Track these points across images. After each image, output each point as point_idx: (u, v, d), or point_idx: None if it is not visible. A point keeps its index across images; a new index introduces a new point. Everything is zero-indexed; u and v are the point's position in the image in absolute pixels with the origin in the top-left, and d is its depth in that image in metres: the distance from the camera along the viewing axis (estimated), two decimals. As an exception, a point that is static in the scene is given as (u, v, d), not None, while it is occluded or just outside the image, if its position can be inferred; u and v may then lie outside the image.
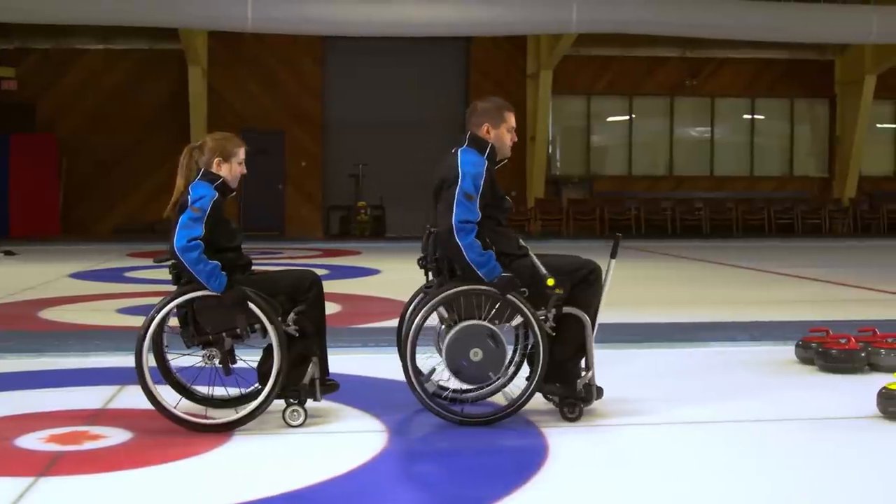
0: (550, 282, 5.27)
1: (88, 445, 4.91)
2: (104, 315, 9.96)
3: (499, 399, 5.65)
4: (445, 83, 26.27)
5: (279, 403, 5.26)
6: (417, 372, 5.29)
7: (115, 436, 5.07)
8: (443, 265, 5.40)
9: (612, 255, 5.67)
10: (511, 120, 5.61)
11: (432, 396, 5.32)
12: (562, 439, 5.04)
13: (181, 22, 21.01)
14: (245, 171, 5.46)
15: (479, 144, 5.51)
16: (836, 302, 11.36)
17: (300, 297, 5.33)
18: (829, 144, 27.83)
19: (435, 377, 5.43)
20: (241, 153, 5.43)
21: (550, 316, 5.33)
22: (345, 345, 7.56)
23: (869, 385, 5.84)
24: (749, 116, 27.64)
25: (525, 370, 5.56)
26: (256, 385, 5.36)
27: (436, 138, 26.01)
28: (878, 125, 28.06)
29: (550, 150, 26.54)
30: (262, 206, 25.31)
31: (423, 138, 25.76)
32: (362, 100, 25.49)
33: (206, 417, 5.26)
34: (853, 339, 7.00)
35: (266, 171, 25.23)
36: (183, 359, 5.43)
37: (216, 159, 5.35)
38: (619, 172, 27.06)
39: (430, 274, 5.57)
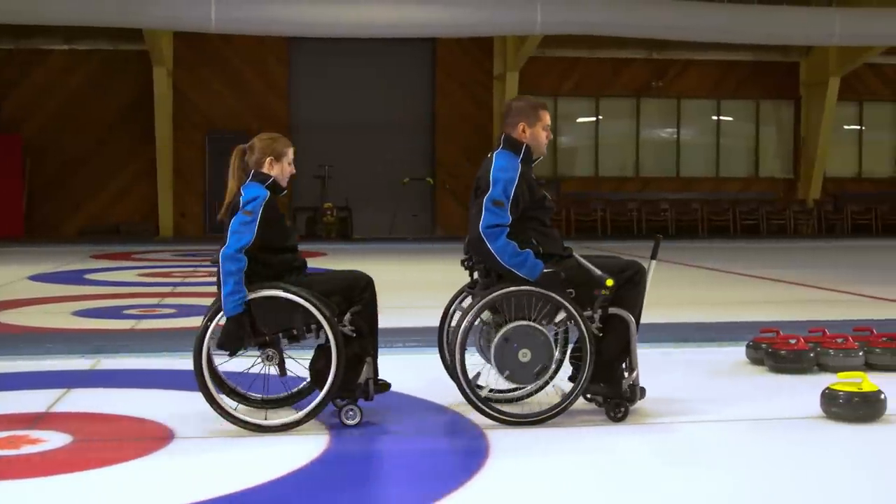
0: (610, 282, 5.31)
1: (26, 450, 4.85)
2: (59, 318, 9.87)
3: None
4: (411, 84, 26.24)
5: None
6: (467, 376, 5.27)
7: (55, 440, 5.01)
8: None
9: (653, 256, 5.71)
10: (546, 118, 5.60)
11: (485, 400, 5.31)
12: (503, 440, 5.03)
13: (144, 23, 20.88)
14: (294, 170, 5.51)
15: (514, 146, 5.49)
16: (794, 302, 11.42)
17: (355, 297, 5.38)
18: (795, 146, 28.00)
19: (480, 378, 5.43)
20: (291, 153, 5.48)
21: (597, 316, 5.36)
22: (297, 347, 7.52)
23: (816, 385, 5.84)
24: (715, 118, 27.75)
25: (565, 369, 5.58)
26: (306, 382, 5.46)
27: (402, 139, 26.09)
28: (846, 127, 28.23)
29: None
30: (227, 207, 25.19)
31: (390, 139, 25.78)
32: (328, 100, 25.44)
33: (263, 419, 5.25)
34: (802, 340, 7.04)
35: (232, 173, 25.13)
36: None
37: (268, 159, 5.38)
38: (585, 174, 27.12)
39: (474, 274, 5.58)
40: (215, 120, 25.11)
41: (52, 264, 16.37)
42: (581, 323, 5.27)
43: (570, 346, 5.59)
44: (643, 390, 5.57)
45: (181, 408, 5.75)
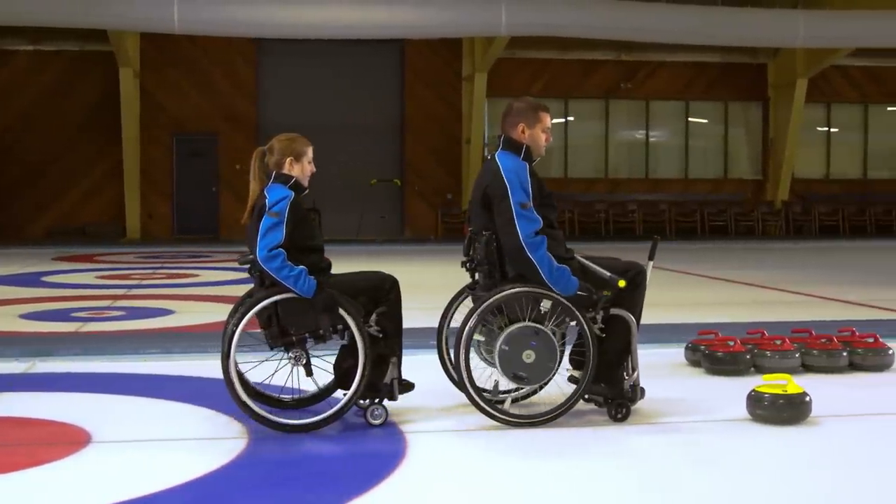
0: (622, 283, 5.37)
1: (-63, 454, 4.80)
2: (5, 320, 9.78)
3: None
4: (380, 85, 26.19)
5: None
6: (471, 376, 5.27)
7: (-33, 444, 4.98)
8: (494, 268, 5.40)
9: (650, 257, 5.74)
10: (546, 120, 5.62)
11: (489, 402, 5.32)
12: (422, 444, 5.02)
13: (106, 23, 20.70)
14: (314, 169, 5.50)
15: (514, 146, 5.52)
16: (750, 304, 11.45)
17: (381, 298, 5.39)
18: (763, 147, 28.07)
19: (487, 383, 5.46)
20: (310, 152, 5.49)
21: (599, 318, 5.38)
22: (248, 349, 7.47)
23: (749, 388, 5.80)
24: (684, 119, 27.78)
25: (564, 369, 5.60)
26: (329, 382, 5.48)
27: (371, 140, 26.02)
28: (819, 129, 28.32)
29: (487, 153, 26.52)
30: (196, 209, 25.13)
31: (358, 140, 25.70)
32: (297, 101, 25.35)
33: (291, 418, 5.25)
34: (739, 342, 7.04)
35: (200, 174, 25.05)
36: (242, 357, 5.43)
37: (288, 159, 5.40)
38: (555, 175, 27.07)
39: (476, 275, 5.58)
40: (183, 121, 25.00)
41: (12, 266, 16.26)
42: (584, 324, 5.29)
43: (570, 348, 5.61)
44: (643, 390, 5.60)
45: (104, 411, 5.73)
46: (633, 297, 5.57)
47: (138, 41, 24.13)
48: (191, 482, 4.37)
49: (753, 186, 28.03)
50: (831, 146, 28.51)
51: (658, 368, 7.14)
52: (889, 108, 28.71)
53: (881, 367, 7.05)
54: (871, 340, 7.22)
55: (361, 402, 5.35)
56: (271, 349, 5.35)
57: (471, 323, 5.27)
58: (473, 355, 5.43)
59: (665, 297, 12.13)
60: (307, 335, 5.23)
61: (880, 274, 15.68)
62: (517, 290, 5.29)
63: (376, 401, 5.33)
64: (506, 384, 5.42)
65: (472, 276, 5.66)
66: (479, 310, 5.28)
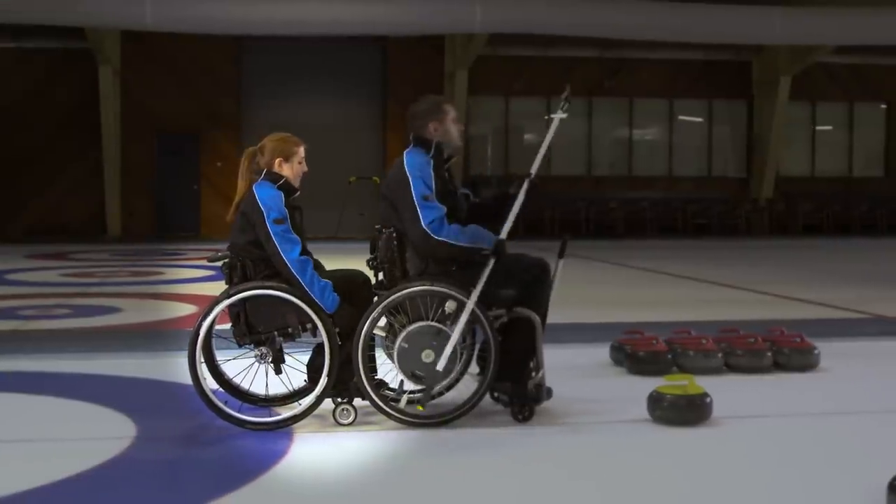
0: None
1: None
2: (-51, 318, 9.77)
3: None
4: (363, 83, 26.13)
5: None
6: (369, 374, 5.25)
7: None
8: (394, 266, 5.39)
9: (560, 255, 5.69)
10: (452, 111, 5.65)
11: (386, 400, 5.29)
12: (307, 444, 4.98)
13: (78, 20, 20.57)
14: (306, 169, 5.46)
15: (423, 144, 5.54)
16: (703, 302, 11.41)
17: (353, 297, 5.36)
18: (748, 145, 27.99)
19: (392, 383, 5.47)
20: (301, 152, 5.45)
21: (502, 315, 5.38)
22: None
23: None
24: (668, 117, 27.70)
25: (473, 369, 5.58)
26: (304, 382, 5.44)
27: (353, 138, 25.96)
28: (804, 126, 28.24)
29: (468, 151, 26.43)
30: (177, 207, 25.11)
31: (340, 138, 25.61)
32: (279, 99, 25.28)
33: (258, 416, 5.26)
34: (661, 341, 6.99)
35: (181, 172, 25.01)
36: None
37: (277, 160, 5.37)
38: (539, 173, 26.93)
39: (380, 274, 5.55)
40: (165, 119, 24.93)
41: (-19, 265, 16.23)
42: (485, 323, 5.25)
43: (478, 346, 5.55)
44: (549, 390, 5.54)
45: (5, 410, 5.69)
46: (538, 295, 5.52)
47: (118, 39, 24.03)
48: (57, 483, 4.32)
49: (738, 184, 27.94)
50: (816, 144, 28.42)
51: (583, 368, 7.09)
52: (876, 106, 28.61)
53: (806, 366, 6.98)
54: (797, 340, 7.17)
55: (340, 399, 5.30)
56: (239, 347, 5.31)
57: (369, 322, 5.23)
58: (380, 352, 5.42)
59: (624, 295, 12.13)
60: (275, 333, 5.20)
61: (852, 273, 15.56)
62: (420, 287, 5.25)
63: (345, 400, 5.30)
64: (410, 384, 5.38)
65: (376, 276, 5.63)
66: (380, 305, 5.24)
